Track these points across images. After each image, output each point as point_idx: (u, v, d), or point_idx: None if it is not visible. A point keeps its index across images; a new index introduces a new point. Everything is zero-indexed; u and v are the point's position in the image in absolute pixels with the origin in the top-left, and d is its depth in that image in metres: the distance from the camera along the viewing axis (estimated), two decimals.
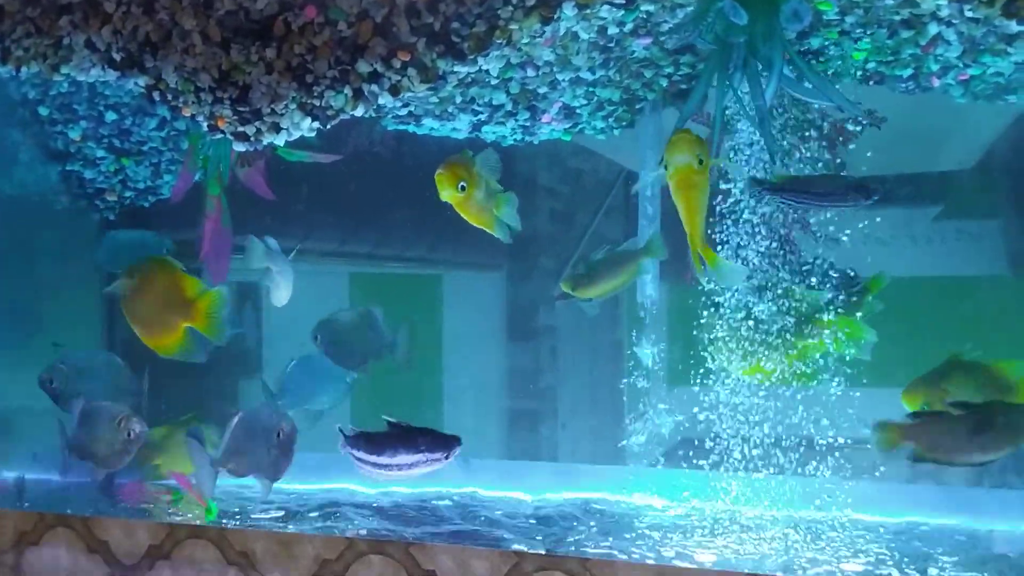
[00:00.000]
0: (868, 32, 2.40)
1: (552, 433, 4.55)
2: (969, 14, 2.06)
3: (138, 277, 2.66)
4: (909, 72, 2.60)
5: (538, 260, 4.53)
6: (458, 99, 2.68)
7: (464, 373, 4.46)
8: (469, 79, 2.52)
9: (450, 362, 4.46)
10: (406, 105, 2.76)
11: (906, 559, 2.26)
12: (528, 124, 2.90)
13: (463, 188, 2.25)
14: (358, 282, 4.79)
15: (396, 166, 3.66)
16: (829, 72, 2.63)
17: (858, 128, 2.76)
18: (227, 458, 2.56)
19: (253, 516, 2.70)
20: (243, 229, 3.45)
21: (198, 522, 2.59)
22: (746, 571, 2.07)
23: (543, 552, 2.21)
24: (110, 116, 3.12)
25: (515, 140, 3.04)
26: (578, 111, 2.88)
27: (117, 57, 2.46)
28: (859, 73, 2.65)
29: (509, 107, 2.76)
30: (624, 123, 3.00)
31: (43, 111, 3.16)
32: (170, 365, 3.60)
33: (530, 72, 2.52)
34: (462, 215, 2.34)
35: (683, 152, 2.07)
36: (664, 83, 2.78)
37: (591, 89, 2.75)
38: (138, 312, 2.67)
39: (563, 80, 2.62)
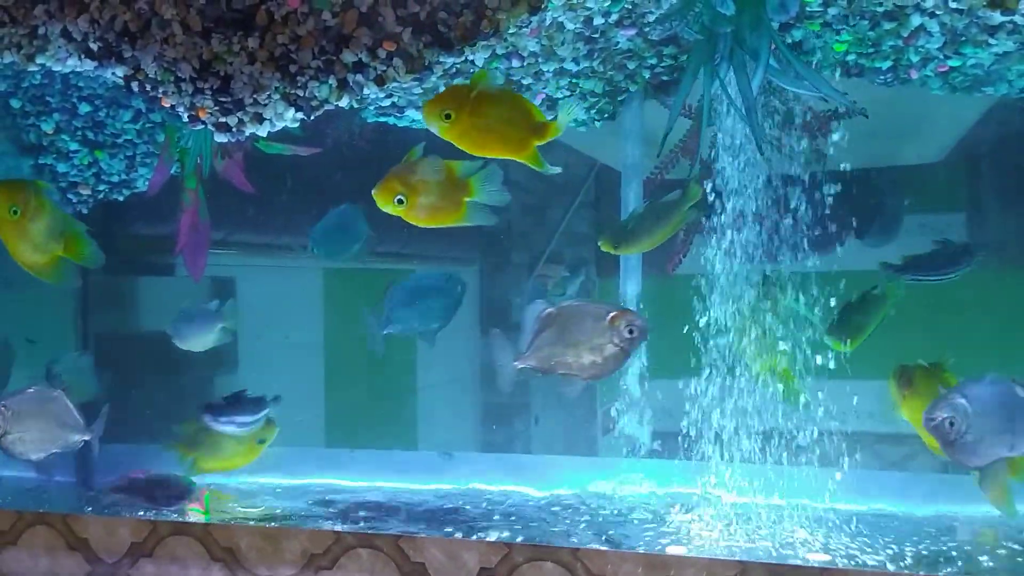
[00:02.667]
0: (850, 24, 2.41)
1: (526, 427, 4.56)
2: (953, 5, 2.08)
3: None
4: (888, 64, 2.63)
5: (511, 255, 4.53)
6: (442, 90, 2.65)
7: (437, 368, 4.45)
8: (455, 69, 2.50)
9: (423, 357, 4.45)
10: (389, 96, 2.74)
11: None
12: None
13: (400, 201, 2.24)
14: (332, 278, 4.76)
15: (365, 159, 3.64)
16: (812, 64, 2.65)
17: (839, 118, 2.79)
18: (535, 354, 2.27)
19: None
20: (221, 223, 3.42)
21: (182, 519, 2.56)
22: (735, 559, 2.08)
23: (533, 543, 2.20)
24: (84, 108, 3.06)
25: None
26: (561, 103, 2.87)
27: (94, 47, 2.41)
28: (837, 69, 2.68)
29: None
30: (606, 115, 3.00)
31: (15, 103, 3.10)
32: (144, 362, 3.57)
33: (515, 63, 2.51)
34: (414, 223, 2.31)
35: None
36: (647, 75, 2.79)
37: (574, 80, 2.75)
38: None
39: (547, 71, 2.62)
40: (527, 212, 4.54)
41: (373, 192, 2.24)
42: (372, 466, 3.21)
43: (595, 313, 2.23)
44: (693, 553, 2.12)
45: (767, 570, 2.04)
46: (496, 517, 2.57)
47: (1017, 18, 2.05)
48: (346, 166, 3.52)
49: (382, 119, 2.99)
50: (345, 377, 4.51)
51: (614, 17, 2.38)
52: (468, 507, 2.73)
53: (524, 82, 2.67)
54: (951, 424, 2.09)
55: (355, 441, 3.69)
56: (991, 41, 2.26)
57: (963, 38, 2.30)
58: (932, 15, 2.21)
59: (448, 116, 2.17)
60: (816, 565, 2.07)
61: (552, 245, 4.64)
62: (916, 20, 2.25)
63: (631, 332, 2.18)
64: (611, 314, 2.20)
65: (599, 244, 2.83)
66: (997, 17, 2.04)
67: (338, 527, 2.35)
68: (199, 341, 3.12)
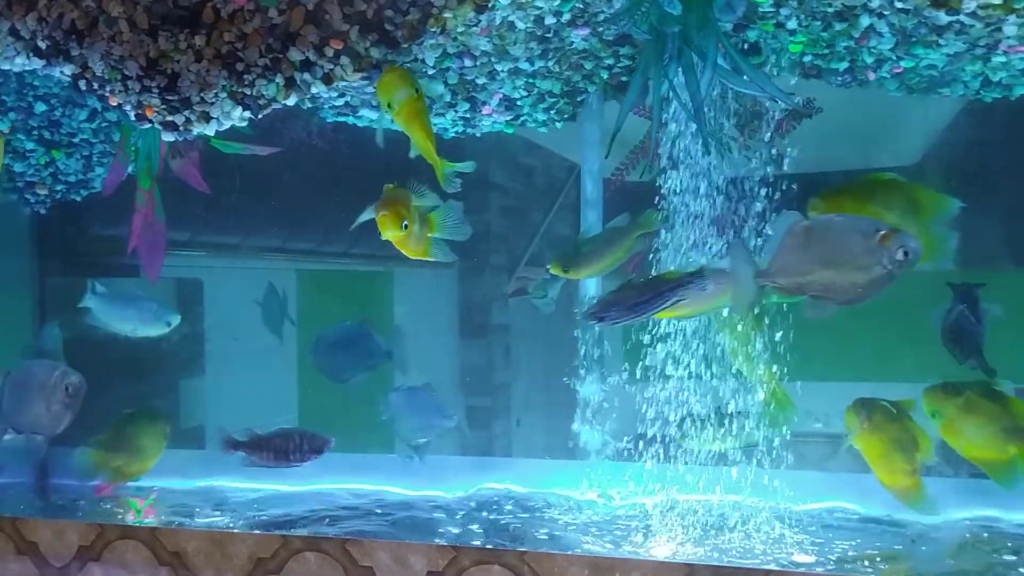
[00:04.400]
0: (803, 24, 2.40)
1: (507, 430, 4.54)
2: (899, 5, 2.08)
3: None
4: (845, 65, 2.62)
5: (490, 257, 4.51)
6: None
7: (415, 371, 4.43)
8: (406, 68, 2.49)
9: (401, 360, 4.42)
10: (342, 95, 2.72)
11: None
12: (468, 116, 2.87)
13: (406, 227, 2.22)
14: (306, 279, 4.73)
15: (343, 159, 3.62)
16: (768, 66, 2.65)
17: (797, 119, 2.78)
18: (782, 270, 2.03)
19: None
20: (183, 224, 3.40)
21: (131, 520, 2.53)
22: (682, 562, 2.07)
23: (481, 546, 2.18)
24: (40, 107, 3.03)
25: (456, 132, 3.01)
26: (519, 103, 2.86)
27: (43, 45, 2.39)
28: (797, 70, 2.67)
29: (448, 98, 2.72)
30: (566, 116, 2.99)
31: None
32: (109, 365, 3.53)
33: (467, 62, 2.50)
34: (402, 251, 2.30)
35: (401, 87, 2.12)
36: (605, 75, 2.77)
37: (531, 80, 2.73)
38: None
39: (502, 71, 2.60)
40: (507, 214, 4.53)
41: (378, 217, 2.20)
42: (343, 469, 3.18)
43: (862, 229, 1.95)
44: (640, 556, 2.11)
45: (713, 572, 2.03)
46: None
47: (964, 18, 2.04)
48: (306, 166, 3.50)
49: (341, 119, 2.97)
50: (319, 379, 4.47)
51: (566, 16, 2.36)
52: (426, 510, 2.71)
53: (479, 82, 2.65)
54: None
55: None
56: (940, 42, 2.25)
57: (913, 39, 2.29)
58: (880, 15, 2.21)
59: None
60: (776, 568, 2.06)
61: (532, 247, 4.63)
62: (865, 20, 2.24)
63: (905, 255, 1.91)
64: (881, 232, 1.93)
65: (548, 267, 2.82)
66: (943, 17, 2.03)
67: (285, 531, 2.32)
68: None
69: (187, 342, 4.11)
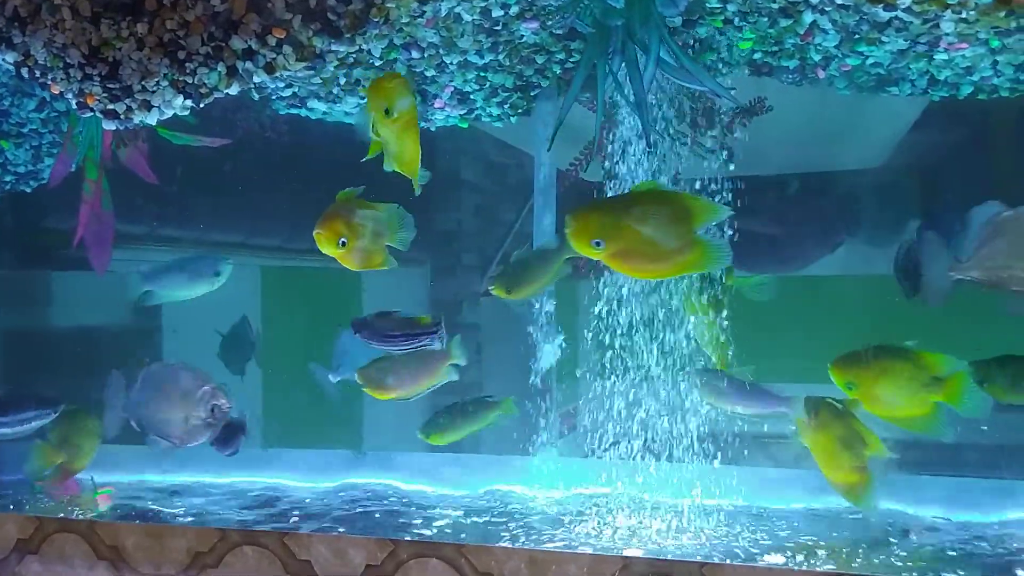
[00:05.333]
0: (750, 21, 2.41)
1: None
2: (839, 1, 2.08)
3: None
4: (795, 63, 2.63)
5: (461, 256, 4.49)
6: (342, 80, 2.62)
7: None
8: (351, 59, 2.47)
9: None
10: (289, 86, 2.70)
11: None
12: (420, 109, 2.86)
13: (343, 244, 2.18)
14: (271, 276, 4.69)
15: (308, 155, 3.59)
16: (719, 61, 2.65)
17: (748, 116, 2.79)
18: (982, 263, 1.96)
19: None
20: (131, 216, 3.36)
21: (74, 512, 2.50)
22: (618, 555, 2.06)
23: (419, 539, 2.17)
24: None
25: None
26: (471, 97, 2.85)
27: None
28: (747, 67, 2.68)
29: None
30: (520, 110, 2.98)
31: None
32: (56, 358, 3.48)
33: (415, 54, 2.48)
34: (347, 265, 2.26)
35: (404, 95, 2.09)
36: (557, 69, 2.77)
37: (482, 74, 2.72)
38: None
39: (451, 63, 2.59)
40: (478, 213, 4.50)
41: (315, 234, 2.17)
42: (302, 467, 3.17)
43: None
44: (577, 548, 2.10)
45: (649, 565, 2.02)
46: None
47: (902, 15, 2.05)
48: (268, 159, 3.48)
49: (294, 111, 2.95)
50: (283, 375, 4.44)
51: (515, 9, 2.36)
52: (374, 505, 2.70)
53: (428, 74, 2.64)
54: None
55: (293, 441, 3.64)
56: (883, 39, 2.26)
57: (857, 36, 2.30)
58: (822, 11, 2.21)
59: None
60: (699, 560, 2.06)
61: (505, 247, 4.61)
62: (808, 16, 2.25)
63: None
64: None
65: (491, 289, 2.82)
66: (883, 13, 2.04)
67: (223, 525, 2.30)
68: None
69: (143, 336, 4.07)
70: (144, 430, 2.55)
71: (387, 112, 2.11)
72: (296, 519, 2.44)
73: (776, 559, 2.09)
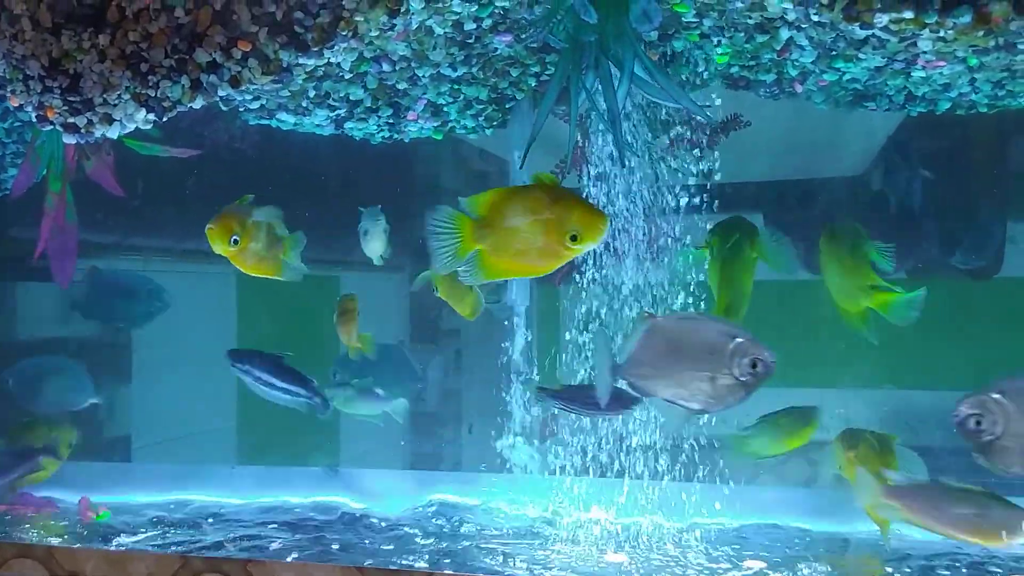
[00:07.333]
0: (727, 36, 2.38)
1: (457, 438, 4.47)
2: (816, 18, 2.05)
3: None
4: (772, 78, 2.60)
5: None
6: (311, 93, 2.57)
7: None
8: (320, 72, 2.42)
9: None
10: (257, 98, 2.64)
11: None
12: (393, 121, 2.81)
13: (235, 241, 2.23)
14: (247, 284, 4.62)
15: (286, 163, 3.54)
16: (696, 76, 2.62)
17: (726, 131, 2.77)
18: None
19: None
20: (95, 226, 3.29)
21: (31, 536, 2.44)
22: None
23: (385, 567, 2.12)
24: None
25: (383, 137, 2.95)
26: (445, 109, 2.80)
27: None
28: (723, 80, 2.66)
29: (369, 103, 2.66)
30: (495, 123, 2.94)
31: None
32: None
33: (386, 67, 2.43)
34: (239, 267, 2.33)
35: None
36: (532, 82, 2.73)
37: (456, 87, 2.68)
38: None
39: (423, 76, 2.54)
40: None
41: (207, 229, 2.24)
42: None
43: None
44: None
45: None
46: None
47: (880, 33, 2.01)
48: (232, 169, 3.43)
49: (264, 122, 2.89)
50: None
51: (487, 23, 2.31)
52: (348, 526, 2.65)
53: (400, 86, 2.59)
54: (977, 423, 1.79)
55: (270, 458, 3.61)
56: (860, 56, 2.23)
57: (834, 52, 2.27)
58: (799, 28, 2.18)
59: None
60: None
61: None
62: (785, 33, 2.21)
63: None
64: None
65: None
66: (859, 31, 2.01)
67: (183, 549, 2.24)
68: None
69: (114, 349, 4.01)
70: (647, 395, 2.16)
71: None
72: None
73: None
